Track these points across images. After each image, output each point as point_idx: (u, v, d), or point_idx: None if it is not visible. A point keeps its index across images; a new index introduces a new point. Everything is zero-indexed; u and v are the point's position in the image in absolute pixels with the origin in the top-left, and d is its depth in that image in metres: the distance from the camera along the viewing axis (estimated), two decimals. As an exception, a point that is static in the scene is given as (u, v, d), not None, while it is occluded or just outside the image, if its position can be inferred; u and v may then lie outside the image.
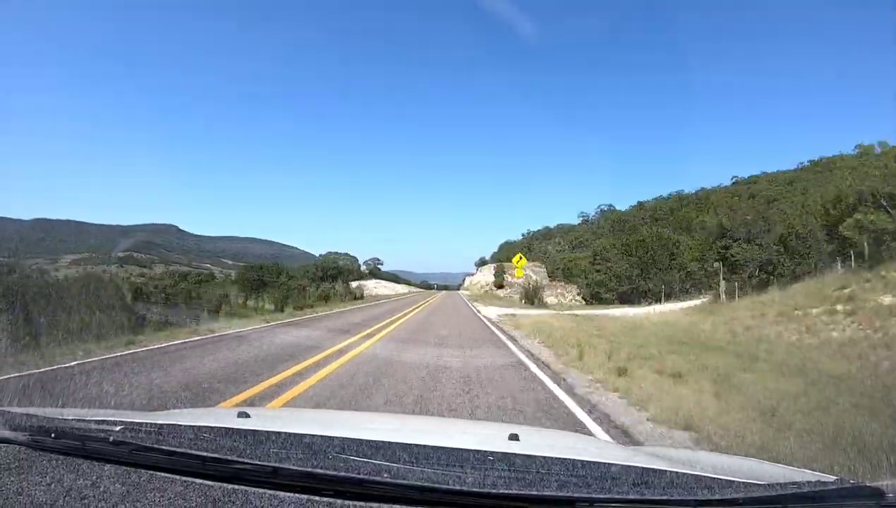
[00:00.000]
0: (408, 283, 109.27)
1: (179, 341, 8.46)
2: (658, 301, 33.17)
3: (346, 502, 0.95)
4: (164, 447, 1.05)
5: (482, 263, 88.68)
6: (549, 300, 42.03)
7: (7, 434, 1.13)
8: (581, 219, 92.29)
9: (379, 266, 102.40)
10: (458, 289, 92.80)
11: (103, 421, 1.22)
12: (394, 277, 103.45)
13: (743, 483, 1.02)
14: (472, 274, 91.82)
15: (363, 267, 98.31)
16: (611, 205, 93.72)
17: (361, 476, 0.95)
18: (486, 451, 1.12)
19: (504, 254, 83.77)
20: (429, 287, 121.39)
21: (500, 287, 59.72)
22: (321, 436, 1.19)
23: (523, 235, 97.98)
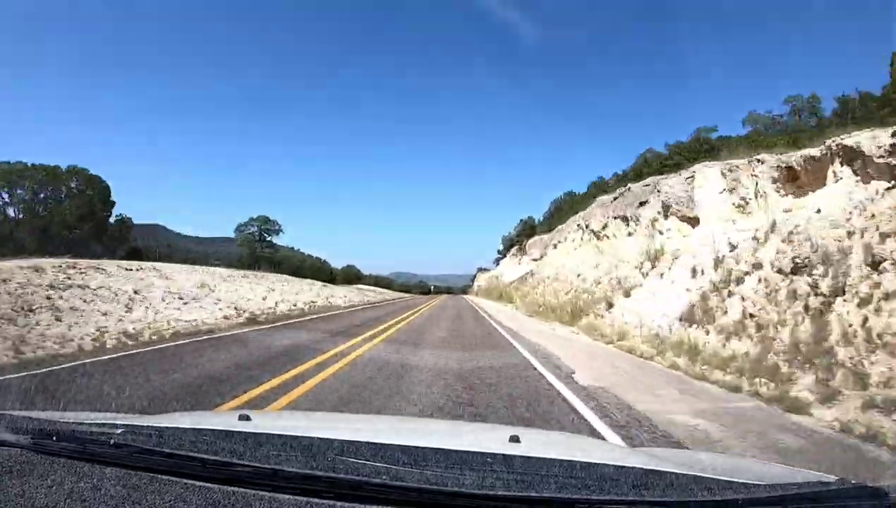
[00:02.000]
0: (378, 285, 66.53)
1: None
2: None
3: (346, 504, 0.97)
4: (164, 449, 1.08)
5: (524, 235, 48.96)
6: None
7: (8, 437, 1.16)
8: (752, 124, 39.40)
9: (271, 235, 53.94)
10: (466, 293, 67.03)
11: (104, 424, 1.26)
12: (314, 264, 53.88)
13: (743, 483, 1.05)
14: (489, 270, 62.63)
15: (236, 237, 54.27)
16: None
17: (360, 478, 0.98)
18: (485, 453, 1.15)
19: (566, 214, 36.82)
20: (426, 291, 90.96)
21: None
22: (320, 438, 1.22)
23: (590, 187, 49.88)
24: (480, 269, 75.44)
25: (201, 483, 1.02)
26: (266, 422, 1.66)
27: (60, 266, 15.15)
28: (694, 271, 10.68)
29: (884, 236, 6.58)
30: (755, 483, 1.05)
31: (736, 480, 1.07)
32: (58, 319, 9.47)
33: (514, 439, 1.38)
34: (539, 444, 1.60)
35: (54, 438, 1.14)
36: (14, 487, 1.01)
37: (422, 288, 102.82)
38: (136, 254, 36.98)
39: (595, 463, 1.14)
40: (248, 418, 1.48)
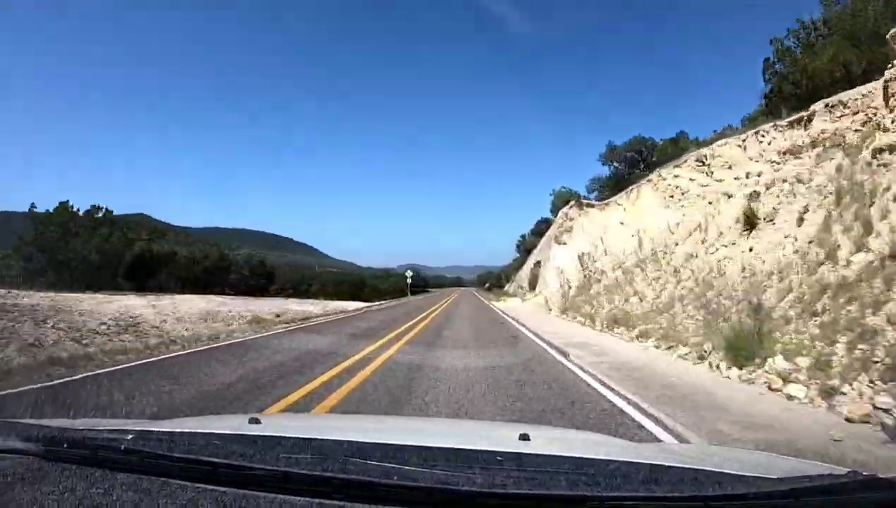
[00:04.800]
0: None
1: None
2: None
3: (357, 505, 1.00)
4: (175, 454, 1.11)
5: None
6: None
7: (20, 445, 1.19)
8: None
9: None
10: (503, 292, 45.55)
11: (115, 430, 1.29)
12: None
13: (753, 477, 1.06)
14: (594, 208, 25.23)
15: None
16: None
17: (370, 479, 1.00)
18: (495, 451, 1.17)
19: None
20: (411, 288, 51.09)
21: None
22: (331, 440, 1.25)
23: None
24: (550, 219, 35.25)
25: (213, 487, 1.04)
26: (276, 425, 1.70)
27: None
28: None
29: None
30: (766, 476, 1.07)
31: (746, 474, 1.09)
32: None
33: (524, 437, 1.40)
34: (549, 442, 1.62)
35: (65, 445, 1.16)
36: (26, 494, 1.04)
37: (406, 286, 55.10)
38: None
39: (605, 460, 1.16)
40: (257, 421, 1.51)
